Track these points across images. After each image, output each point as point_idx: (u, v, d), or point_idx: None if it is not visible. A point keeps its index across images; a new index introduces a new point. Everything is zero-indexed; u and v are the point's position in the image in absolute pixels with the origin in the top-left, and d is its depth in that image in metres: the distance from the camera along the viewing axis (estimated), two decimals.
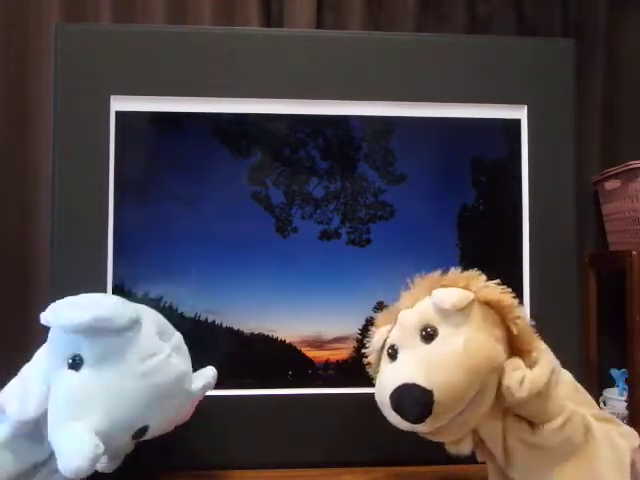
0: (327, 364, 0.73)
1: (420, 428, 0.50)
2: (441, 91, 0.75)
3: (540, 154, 0.75)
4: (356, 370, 0.73)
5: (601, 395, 1.11)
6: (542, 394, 0.51)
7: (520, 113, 0.75)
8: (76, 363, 0.51)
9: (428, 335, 0.52)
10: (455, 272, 0.55)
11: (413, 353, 0.52)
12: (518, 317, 0.52)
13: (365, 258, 0.73)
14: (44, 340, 0.55)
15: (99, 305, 0.52)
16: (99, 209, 0.70)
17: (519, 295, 0.74)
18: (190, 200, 0.72)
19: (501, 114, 0.75)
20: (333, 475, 0.68)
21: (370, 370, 0.59)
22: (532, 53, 0.76)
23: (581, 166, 1.12)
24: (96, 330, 0.51)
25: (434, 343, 0.51)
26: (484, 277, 0.55)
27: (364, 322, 0.73)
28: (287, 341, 0.72)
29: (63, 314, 0.51)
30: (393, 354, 0.54)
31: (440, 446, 0.66)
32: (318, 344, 0.73)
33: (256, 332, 0.72)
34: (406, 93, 0.75)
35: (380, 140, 0.75)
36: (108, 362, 0.51)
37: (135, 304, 0.56)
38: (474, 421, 0.52)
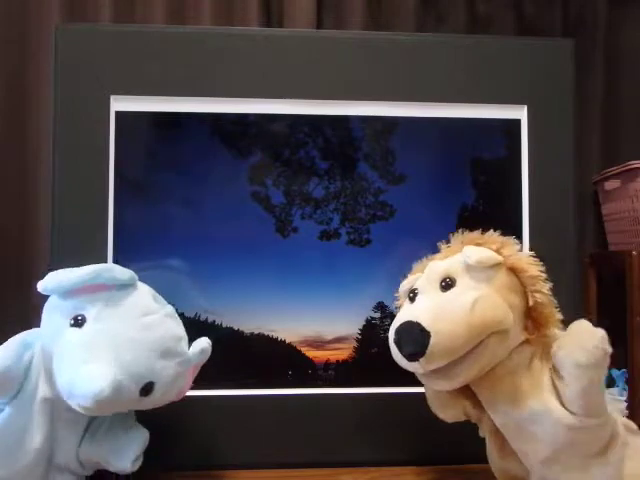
0: (327, 364, 0.73)
1: (415, 366, 0.52)
2: (441, 91, 0.75)
3: (540, 154, 0.75)
4: (356, 370, 0.73)
5: None
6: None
7: (520, 113, 0.75)
8: (78, 322, 0.53)
9: (447, 284, 0.54)
10: (493, 235, 0.57)
11: (428, 298, 0.54)
12: (539, 291, 0.53)
13: (365, 258, 0.73)
14: None
15: (96, 265, 0.55)
16: (99, 209, 0.70)
17: None
18: (190, 200, 0.72)
19: (501, 114, 0.75)
20: (333, 475, 0.68)
21: None
22: (532, 53, 0.76)
23: (581, 166, 1.11)
24: (94, 288, 0.54)
25: (449, 293, 0.53)
26: (519, 246, 0.56)
27: (364, 322, 0.73)
28: (287, 341, 0.72)
29: (66, 274, 0.54)
30: (413, 297, 0.56)
31: (440, 446, 0.66)
32: (318, 344, 0.72)
33: (256, 332, 0.72)
34: (406, 93, 0.75)
35: (380, 140, 0.75)
36: (109, 316, 0.54)
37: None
38: (467, 377, 0.53)
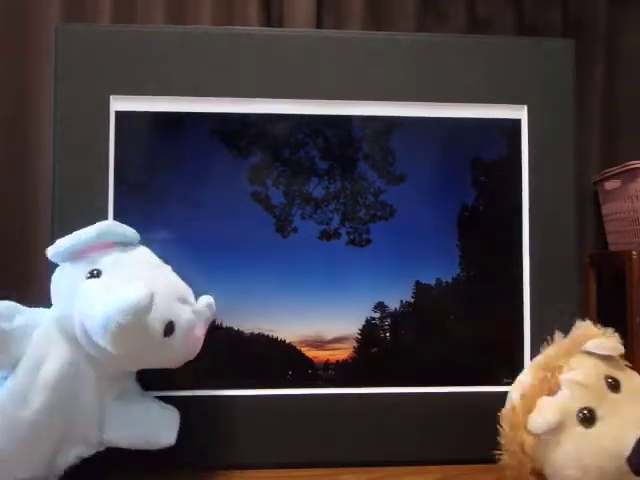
0: (327, 364, 0.73)
1: None
2: (441, 91, 0.75)
3: (540, 154, 0.75)
4: (356, 370, 0.73)
5: None
6: None
7: (520, 113, 0.75)
8: (94, 274, 0.55)
9: (616, 383, 0.52)
10: (584, 327, 0.57)
11: (622, 407, 0.50)
12: None
13: (365, 258, 0.73)
14: None
15: (106, 221, 0.59)
16: (99, 209, 0.70)
17: (519, 295, 0.74)
18: (190, 200, 0.72)
19: (501, 114, 0.75)
20: (333, 475, 0.68)
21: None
22: (532, 53, 0.76)
23: (581, 166, 1.11)
24: (105, 246, 0.57)
25: (624, 390, 0.51)
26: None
27: (364, 322, 0.73)
28: (287, 341, 0.72)
29: (70, 237, 0.56)
30: (590, 417, 0.50)
31: (440, 446, 0.67)
32: (318, 344, 0.72)
33: (256, 332, 0.72)
34: (406, 93, 0.75)
35: (380, 140, 0.75)
36: (124, 266, 0.56)
37: None
38: None
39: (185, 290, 0.60)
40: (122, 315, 0.48)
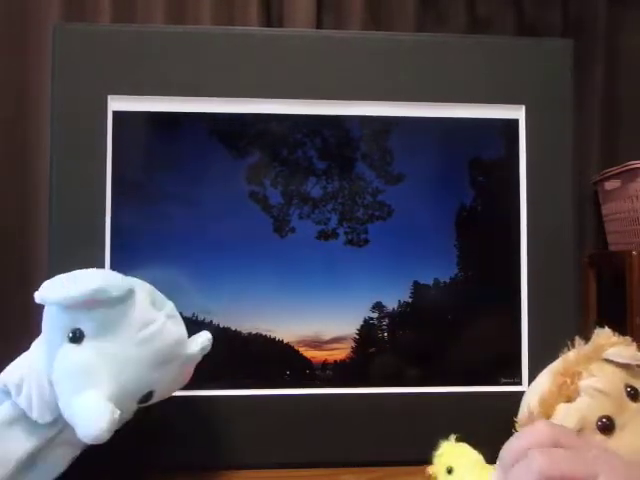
0: (325, 364, 0.73)
1: None
2: (440, 91, 0.75)
3: (538, 154, 0.75)
4: (354, 370, 0.73)
5: None
6: None
7: (518, 113, 0.75)
8: (76, 337, 0.52)
9: (636, 393, 0.50)
10: (604, 334, 0.55)
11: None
12: None
13: (363, 258, 0.73)
14: None
15: (94, 278, 0.53)
16: (97, 209, 0.70)
17: (518, 296, 0.74)
18: (188, 200, 0.72)
19: (499, 114, 0.75)
20: (333, 475, 0.68)
21: None
22: (531, 53, 0.76)
23: (581, 166, 1.11)
24: (93, 302, 0.52)
25: None
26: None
27: (362, 322, 0.72)
28: (285, 341, 0.72)
29: (59, 290, 0.52)
30: (610, 426, 0.49)
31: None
32: (316, 344, 0.72)
33: (254, 332, 0.72)
34: (405, 93, 0.75)
35: (378, 140, 0.74)
36: (108, 333, 0.53)
37: (127, 277, 0.57)
38: None
39: (174, 345, 0.56)
40: (83, 438, 0.48)
